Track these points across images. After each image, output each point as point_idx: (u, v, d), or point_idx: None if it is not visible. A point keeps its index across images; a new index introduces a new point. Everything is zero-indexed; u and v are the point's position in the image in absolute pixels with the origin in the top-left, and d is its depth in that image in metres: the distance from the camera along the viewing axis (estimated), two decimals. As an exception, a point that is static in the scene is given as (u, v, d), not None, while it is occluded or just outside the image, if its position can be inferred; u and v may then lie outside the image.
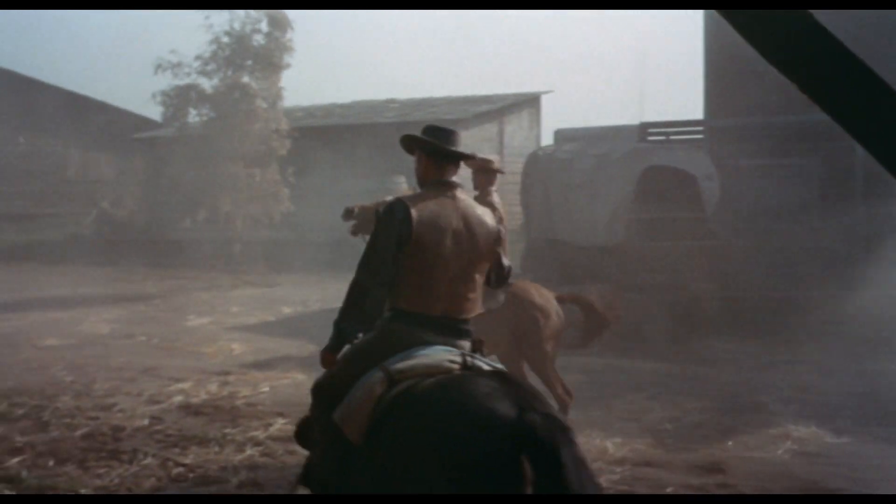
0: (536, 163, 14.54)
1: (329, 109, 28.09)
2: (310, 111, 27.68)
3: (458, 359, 3.94)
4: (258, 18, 20.25)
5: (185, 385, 9.09)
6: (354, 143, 23.35)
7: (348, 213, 6.56)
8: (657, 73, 62.07)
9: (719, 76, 14.40)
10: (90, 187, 28.79)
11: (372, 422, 3.76)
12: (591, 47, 72.78)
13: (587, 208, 12.55)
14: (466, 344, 4.18)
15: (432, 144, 4.29)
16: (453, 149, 4.29)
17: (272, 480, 6.17)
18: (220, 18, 20.52)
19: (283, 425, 7.49)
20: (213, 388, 9.01)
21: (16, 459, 6.56)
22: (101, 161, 30.51)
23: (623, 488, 5.99)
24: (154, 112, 23.11)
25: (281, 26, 20.28)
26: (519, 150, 24.34)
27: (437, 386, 3.68)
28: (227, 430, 7.30)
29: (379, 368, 3.89)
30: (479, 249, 4.20)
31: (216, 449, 6.84)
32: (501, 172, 7.36)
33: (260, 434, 7.25)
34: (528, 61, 68.85)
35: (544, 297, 7.13)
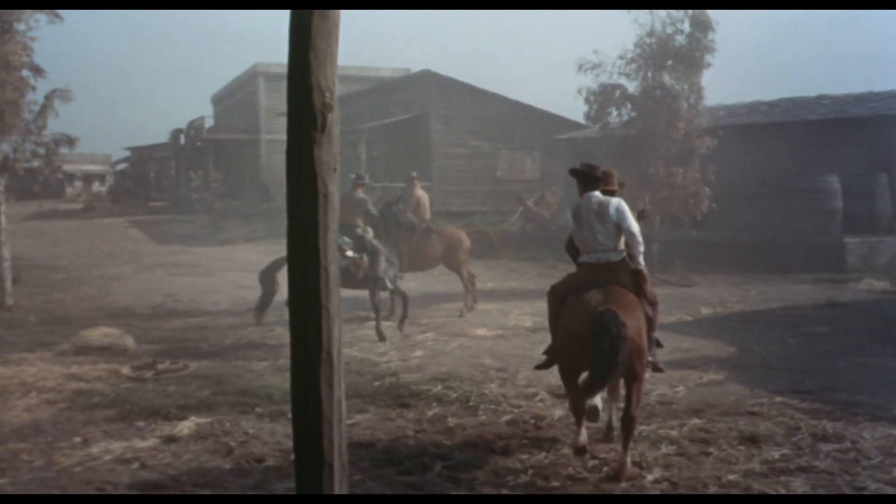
0: None
1: (753, 107, 27.16)
2: (732, 109, 26.95)
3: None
4: (679, 19, 20.09)
5: (602, 380, 9.31)
6: (781, 140, 22.41)
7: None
8: None
9: None
10: (516, 186, 30.52)
11: None
12: None
13: None
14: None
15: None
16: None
17: (686, 480, 6.12)
18: (645, 19, 20.48)
19: (699, 425, 7.43)
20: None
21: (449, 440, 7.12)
22: (526, 161, 32.25)
23: None
24: (574, 114, 23.84)
25: (703, 27, 19.96)
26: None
27: None
28: (643, 427, 7.34)
29: None
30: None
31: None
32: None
33: (675, 433, 7.24)
34: None
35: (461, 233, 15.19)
